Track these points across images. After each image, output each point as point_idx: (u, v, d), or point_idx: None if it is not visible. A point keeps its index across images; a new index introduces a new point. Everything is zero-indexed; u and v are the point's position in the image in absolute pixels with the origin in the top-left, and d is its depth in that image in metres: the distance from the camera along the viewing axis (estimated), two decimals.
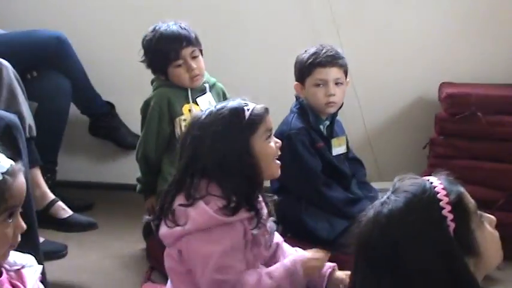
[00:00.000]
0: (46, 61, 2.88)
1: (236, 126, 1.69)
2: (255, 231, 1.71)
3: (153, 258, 2.46)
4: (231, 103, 1.74)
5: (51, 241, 2.38)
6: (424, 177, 1.28)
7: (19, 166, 1.35)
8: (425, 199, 1.21)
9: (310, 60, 2.43)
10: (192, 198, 1.67)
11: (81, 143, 3.21)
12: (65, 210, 2.52)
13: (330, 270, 1.88)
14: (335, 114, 2.54)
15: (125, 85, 3.15)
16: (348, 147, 2.61)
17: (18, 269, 1.43)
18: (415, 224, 1.18)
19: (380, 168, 3.11)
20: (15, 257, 1.43)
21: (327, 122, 2.52)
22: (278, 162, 1.79)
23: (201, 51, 2.49)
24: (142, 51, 2.50)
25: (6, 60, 2.43)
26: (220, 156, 1.66)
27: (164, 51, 2.42)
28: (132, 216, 2.79)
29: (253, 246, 1.74)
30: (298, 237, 2.38)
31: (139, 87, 3.02)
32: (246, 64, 3.12)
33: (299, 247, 2.34)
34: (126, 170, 3.19)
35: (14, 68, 2.44)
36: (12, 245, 1.35)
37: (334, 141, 2.53)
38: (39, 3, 3.19)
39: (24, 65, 2.71)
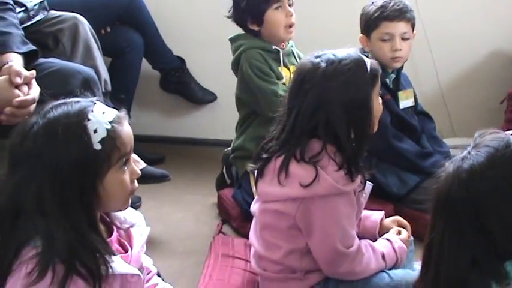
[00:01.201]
0: (119, 17, 2.91)
1: (362, 79, 1.64)
2: (361, 193, 1.72)
3: (224, 212, 2.50)
4: (350, 53, 1.66)
5: None
6: (507, 132, 1.24)
7: (123, 114, 1.36)
8: (509, 153, 1.17)
9: (377, 14, 2.37)
10: (305, 159, 1.62)
11: (152, 98, 3.26)
12: (138, 163, 2.57)
13: (380, 217, 1.88)
14: (401, 67, 2.48)
15: (196, 40, 3.15)
16: (416, 101, 2.55)
17: (128, 227, 1.44)
18: (497, 178, 1.15)
19: (454, 124, 3.04)
20: (126, 214, 1.45)
21: (393, 75, 2.47)
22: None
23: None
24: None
25: (81, 16, 2.49)
26: (346, 108, 1.61)
27: None
28: (203, 169, 2.86)
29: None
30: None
31: (209, 42, 3.03)
32: (316, 17, 3.07)
33: (369, 202, 2.35)
34: (197, 124, 3.24)
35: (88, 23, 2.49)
36: (132, 191, 1.37)
37: (401, 94, 2.48)
38: None
39: (98, 21, 2.74)
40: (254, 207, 1.79)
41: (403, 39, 2.39)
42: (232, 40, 2.45)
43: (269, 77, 2.33)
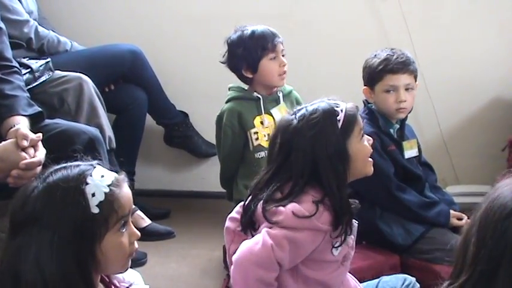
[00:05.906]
0: (123, 74, 2.96)
1: (331, 130, 1.65)
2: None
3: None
4: (322, 105, 1.68)
5: None
6: None
7: (122, 177, 1.38)
8: None
9: (381, 67, 2.40)
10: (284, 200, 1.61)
11: (157, 153, 3.29)
12: (143, 220, 2.61)
13: None
14: (405, 118, 2.50)
15: (198, 94, 3.20)
16: (419, 151, 2.57)
17: (127, 287, 1.45)
18: None
19: (457, 171, 3.04)
20: (125, 274, 1.45)
21: (397, 126, 2.49)
22: (371, 160, 1.74)
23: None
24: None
25: (86, 75, 2.53)
26: (316, 161, 1.62)
27: (262, 41, 2.43)
28: (208, 223, 2.86)
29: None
30: (373, 243, 2.36)
31: (211, 96, 3.07)
32: (318, 69, 3.12)
33: (374, 253, 2.34)
34: (201, 177, 3.25)
35: (93, 82, 2.54)
36: (131, 253, 1.37)
37: (405, 144, 2.49)
38: (114, 18, 3.29)
39: (103, 79, 2.79)
40: None
41: (407, 90, 2.42)
42: (229, 89, 2.54)
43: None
